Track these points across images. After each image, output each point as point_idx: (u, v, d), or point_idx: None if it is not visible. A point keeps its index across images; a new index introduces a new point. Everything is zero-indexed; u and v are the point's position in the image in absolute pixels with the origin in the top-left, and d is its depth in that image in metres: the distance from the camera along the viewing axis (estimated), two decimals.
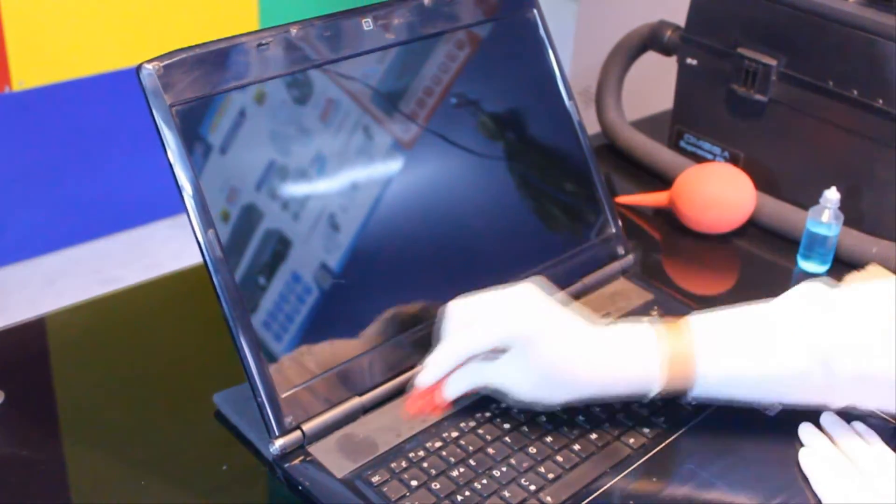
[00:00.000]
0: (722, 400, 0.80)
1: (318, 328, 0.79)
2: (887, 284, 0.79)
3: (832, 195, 1.05)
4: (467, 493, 0.75)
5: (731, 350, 0.78)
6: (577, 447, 0.80)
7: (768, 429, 0.83)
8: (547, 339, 0.76)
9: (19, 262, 2.48)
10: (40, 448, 0.80)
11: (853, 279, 1.03)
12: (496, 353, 0.77)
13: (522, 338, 0.76)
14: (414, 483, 0.75)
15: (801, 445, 0.81)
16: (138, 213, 2.63)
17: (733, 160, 1.21)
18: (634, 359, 0.78)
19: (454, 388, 0.78)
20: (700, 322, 0.79)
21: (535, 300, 0.78)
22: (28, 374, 0.88)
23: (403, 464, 0.77)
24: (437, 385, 0.78)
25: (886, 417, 0.82)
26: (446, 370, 0.77)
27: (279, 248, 0.79)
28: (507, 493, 0.75)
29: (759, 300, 0.81)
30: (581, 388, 0.78)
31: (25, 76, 2.29)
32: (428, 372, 0.77)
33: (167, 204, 2.63)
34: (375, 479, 0.75)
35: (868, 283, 0.80)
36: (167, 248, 2.59)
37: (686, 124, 1.26)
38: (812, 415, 0.84)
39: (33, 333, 0.94)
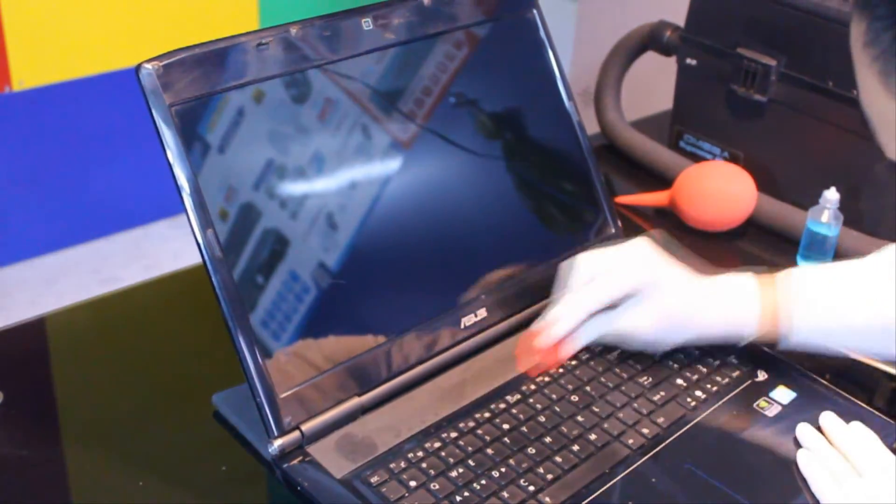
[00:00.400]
0: (813, 348, 0.86)
1: (316, 328, 0.79)
2: None
3: (832, 195, 1.05)
4: (466, 494, 0.75)
5: (826, 302, 0.84)
6: (575, 448, 0.79)
7: (768, 429, 0.83)
8: (668, 285, 0.84)
9: (19, 262, 2.48)
10: (40, 448, 0.80)
11: None
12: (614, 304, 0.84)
13: (649, 284, 0.83)
14: (413, 483, 0.75)
15: (800, 446, 0.81)
16: (138, 213, 2.63)
17: (733, 160, 1.21)
18: (732, 306, 0.85)
19: (582, 339, 0.83)
20: (799, 274, 0.85)
21: (655, 252, 0.85)
22: (28, 375, 0.88)
23: (402, 464, 0.77)
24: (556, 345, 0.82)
25: None
26: (578, 321, 0.82)
27: (278, 247, 0.79)
28: (505, 494, 0.75)
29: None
30: (691, 329, 0.85)
31: (25, 76, 2.29)
32: (559, 325, 0.81)
33: (167, 204, 2.63)
34: (374, 479, 0.75)
35: None
36: (167, 248, 2.59)
37: (686, 124, 1.26)
38: (811, 415, 0.84)
39: (33, 333, 0.94)
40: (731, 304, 0.85)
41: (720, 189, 1.12)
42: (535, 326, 0.83)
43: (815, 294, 0.84)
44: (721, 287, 0.86)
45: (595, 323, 0.83)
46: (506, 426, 0.81)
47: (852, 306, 0.83)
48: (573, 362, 0.88)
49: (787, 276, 0.85)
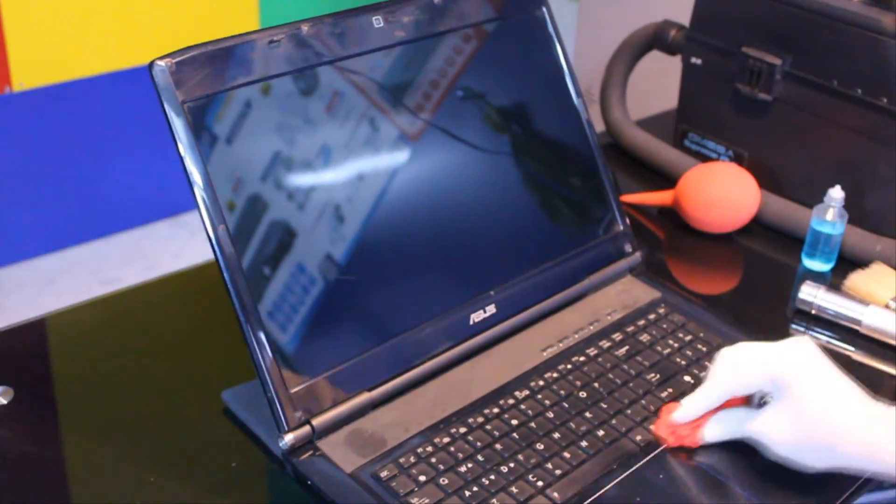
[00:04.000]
0: None
1: (326, 323, 0.80)
2: None
3: (836, 194, 1.05)
4: (475, 489, 0.75)
5: None
6: (584, 444, 0.80)
7: None
8: (815, 395, 0.73)
9: (19, 262, 2.48)
10: (49, 446, 0.80)
11: (857, 277, 1.03)
12: (759, 404, 0.78)
13: (788, 386, 0.73)
14: (422, 478, 0.75)
15: None
16: (138, 213, 2.63)
17: (738, 159, 1.21)
18: None
19: (712, 434, 0.79)
20: None
21: (810, 353, 0.75)
22: (31, 374, 0.88)
23: (412, 459, 0.77)
24: (694, 422, 0.79)
25: None
26: (700, 413, 0.78)
27: (288, 243, 0.79)
28: (514, 489, 0.75)
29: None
30: (842, 458, 0.73)
31: (25, 76, 2.29)
32: (684, 410, 0.78)
33: (167, 204, 2.64)
34: (384, 473, 0.75)
35: None
36: (167, 248, 2.59)
37: (690, 123, 1.27)
38: None
39: (34, 333, 0.94)
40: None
41: (723, 194, 1.12)
42: (670, 406, 0.80)
43: None
44: (889, 418, 0.72)
45: (729, 420, 0.78)
46: (514, 422, 0.81)
47: None
48: (581, 359, 0.88)
49: None
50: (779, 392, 0.74)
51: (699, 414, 0.78)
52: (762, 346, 0.76)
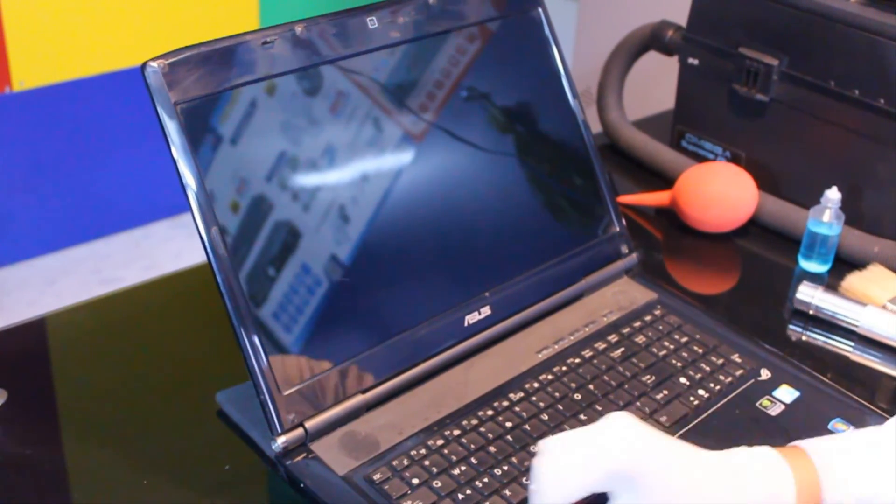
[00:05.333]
0: None
1: (320, 325, 0.79)
2: None
3: (833, 195, 1.05)
4: (468, 492, 0.75)
5: (853, 478, 0.68)
6: None
7: (769, 429, 0.83)
8: (656, 475, 0.64)
9: (19, 262, 2.48)
10: (43, 448, 0.80)
11: (854, 279, 1.03)
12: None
13: (628, 478, 0.64)
14: (415, 481, 0.75)
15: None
16: (138, 213, 2.63)
17: (735, 160, 1.21)
18: (769, 490, 0.67)
19: None
20: (815, 449, 0.69)
21: (629, 431, 0.65)
22: (29, 375, 0.88)
23: (405, 461, 0.77)
24: None
25: None
26: None
27: (280, 244, 0.79)
28: (507, 492, 0.75)
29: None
30: None
31: (25, 76, 2.29)
32: None
33: (167, 204, 2.64)
34: (377, 476, 0.75)
35: None
36: (167, 248, 2.59)
37: (687, 124, 1.27)
38: (813, 414, 0.84)
39: (34, 333, 0.94)
40: (765, 487, 0.67)
41: (721, 192, 1.12)
42: None
43: (838, 468, 0.68)
44: (747, 465, 0.67)
45: None
46: (508, 424, 0.81)
47: (880, 479, 0.68)
48: (576, 360, 0.88)
49: (801, 453, 0.69)
50: (621, 487, 0.65)
51: None
52: (578, 441, 0.65)
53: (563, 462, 0.64)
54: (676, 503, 0.64)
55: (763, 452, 0.68)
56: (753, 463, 0.68)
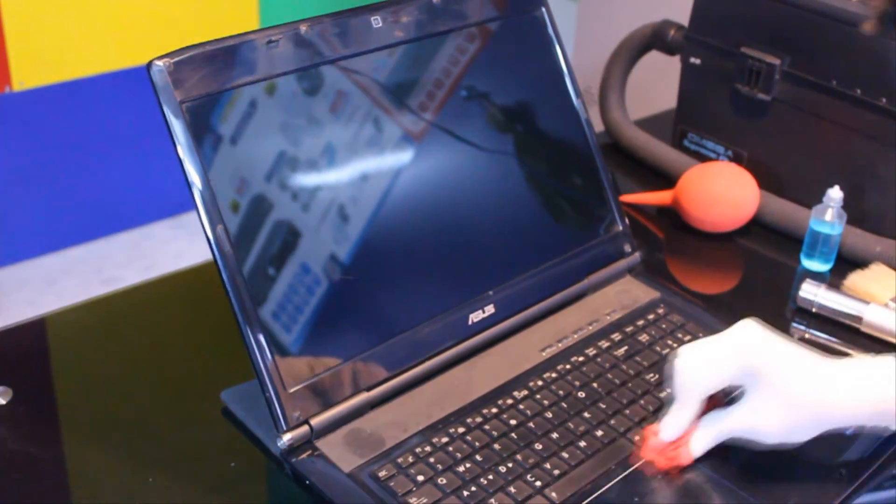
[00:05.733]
0: None
1: (326, 323, 0.80)
2: None
3: (835, 194, 1.05)
4: (473, 489, 0.75)
5: None
6: (582, 444, 0.80)
7: None
8: (787, 374, 0.74)
9: (19, 262, 2.48)
10: (47, 446, 0.80)
11: (856, 278, 1.03)
12: (728, 400, 0.77)
13: (759, 373, 0.74)
14: (420, 478, 0.75)
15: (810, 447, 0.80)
16: (138, 213, 2.63)
17: (737, 159, 1.21)
18: (878, 389, 0.74)
19: (699, 445, 0.78)
20: None
21: (762, 335, 0.76)
22: (31, 374, 0.88)
23: (410, 459, 0.77)
24: (679, 440, 0.78)
25: None
26: (684, 428, 0.77)
27: (286, 241, 0.79)
28: (512, 489, 0.75)
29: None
30: (830, 423, 0.74)
31: (25, 76, 2.29)
32: (668, 430, 0.78)
33: (167, 204, 2.64)
34: (382, 473, 0.75)
35: None
36: (167, 248, 2.59)
37: (689, 123, 1.27)
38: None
39: (34, 333, 0.94)
40: (876, 387, 0.74)
41: (723, 192, 1.12)
42: (651, 428, 0.80)
43: None
44: (861, 368, 0.75)
45: (710, 427, 0.77)
46: (513, 422, 0.81)
47: None
48: (580, 359, 0.88)
49: None
50: (751, 382, 0.75)
51: (683, 429, 0.78)
52: (714, 342, 0.76)
53: (703, 358, 0.76)
54: (799, 396, 0.73)
55: (882, 362, 0.75)
56: (871, 366, 0.75)
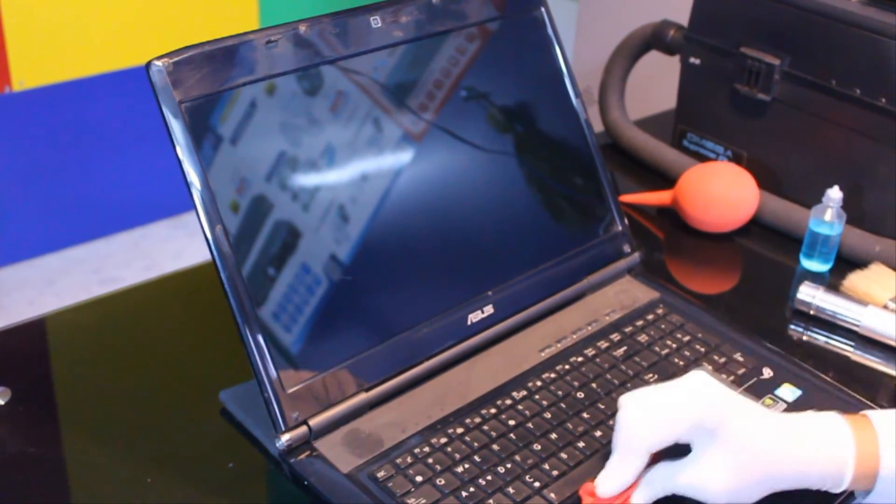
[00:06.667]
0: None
1: (324, 323, 0.80)
2: None
3: (835, 194, 1.05)
4: (472, 490, 0.75)
5: None
6: (581, 444, 0.80)
7: None
8: (735, 428, 0.70)
9: (19, 262, 2.48)
10: (46, 446, 0.80)
11: (856, 278, 1.03)
12: (675, 456, 0.72)
13: (717, 423, 0.69)
14: (419, 479, 0.75)
15: None
16: (138, 213, 2.63)
17: (736, 159, 1.21)
18: (831, 452, 0.71)
19: (642, 499, 0.72)
20: (880, 419, 0.73)
21: (711, 388, 0.71)
22: (30, 374, 0.88)
23: (408, 459, 0.77)
24: (621, 495, 0.72)
25: None
26: (625, 484, 0.72)
27: (285, 241, 0.79)
28: (511, 490, 0.75)
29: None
30: (776, 480, 0.71)
31: (25, 76, 2.29)
32: (607, 485, 0.72)
33: (167, 204, 2.64)
34: (381, 474, 0.75)
35: None
36: (167, 248, 2.59)
37: (689, 123, 1.27)
38: None
39: (34, 333, 0.94)
40: (826, 450, 0.71)
41: (722, 193, 1.12)
42: (587, 486, 0.74)
43: None
44: (813, 429, 0.72)
45: (655, 480, 0.72)
46: (511, 422, 0.81)
47: None
48: (579, 359, 0.88)
49: (866, 421, 0.73)
50: (701, 437, 0.70)
51: (624, 485, 0.72)
52: (662, 393, 0.71)
53: (652, 410, 0.70)
54: (751, 454, 0.69)
55: (830, 418, 0.73)
56: (819, 427, 0.72)
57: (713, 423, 0.69)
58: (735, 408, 0.70)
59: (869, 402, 0.86)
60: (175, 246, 2.59)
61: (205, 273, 1.00)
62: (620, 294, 0.98)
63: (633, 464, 0.71)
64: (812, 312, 1.00)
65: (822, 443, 0.71)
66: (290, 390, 0.76)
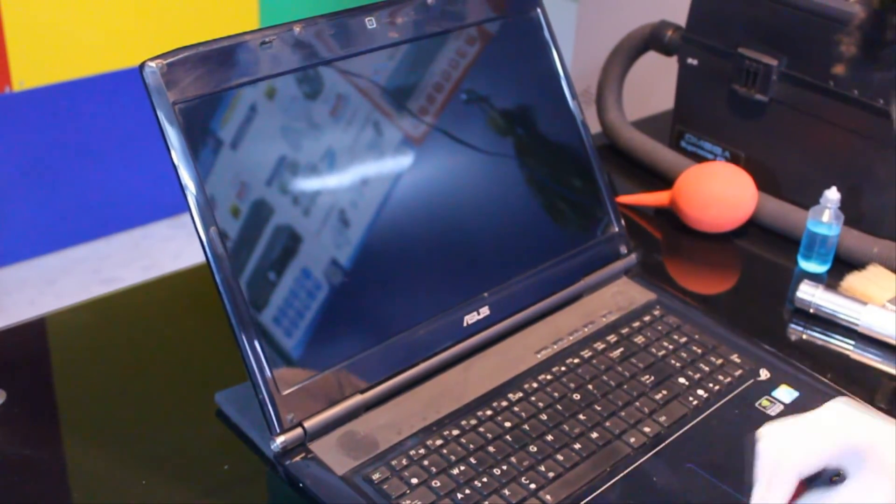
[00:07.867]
0: None
1: (319, 324, 0.79)
2: None
3: (832, 195, 1.05)
4: (467, 492, 0.75)
5: None
6: (577, 446, 0.80)
7: None
8: (886, 449, 0.67)
9: (19, 262, 2.48)
10: (42, 448, 0.80)
11: (853, 279, 1.03)
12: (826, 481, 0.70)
13: (860, 452, 0.67)
14: (414, 481, 0.75)
15: None
16: (138, 213, 2.63)
17: (734, 160, 1.21)
18: None
19: None
20: None
21: (856, 411, 0.70)
22: (28, 375, 0.88)
23: (404, 461, 0.77)
24: None
25: None
26: None
27: (279, 244, 0.79)
28: (506, 492, 0.75)
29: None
30: None
31: (25, 76, 2.29)
32: None
33: (167, 204, 2.64)
34: (376, 476, 0.75)
35: None
36: (167, 248, 2.59)
37: (687, 124, 1.27)
38: None
39: (34, 333, 0.94)
40: None
41: (720, 192, 1.12)
42: None
43: None
44: None
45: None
46: (507, 424, 0.81)
47: None
48: (575, 360, 0.88)
49: None
50: (853, 462, 0.68)
51: None
52: (804, 420, 0.70)
53: (796, 436, 0.68)
54: None
55: None
56: None
57: (863, 447, 0.67)
58: (883, 429, 0.68)
59: (868, 403, 0.86)
60: (175, 246, 2.59)
61: (204, 273, 0.99)
62: (617, 295, 0.98)
63: (783, 490, 0.69)
64: (811, 311, 1.00)
65: None
66: (285, 392, 0.76)
